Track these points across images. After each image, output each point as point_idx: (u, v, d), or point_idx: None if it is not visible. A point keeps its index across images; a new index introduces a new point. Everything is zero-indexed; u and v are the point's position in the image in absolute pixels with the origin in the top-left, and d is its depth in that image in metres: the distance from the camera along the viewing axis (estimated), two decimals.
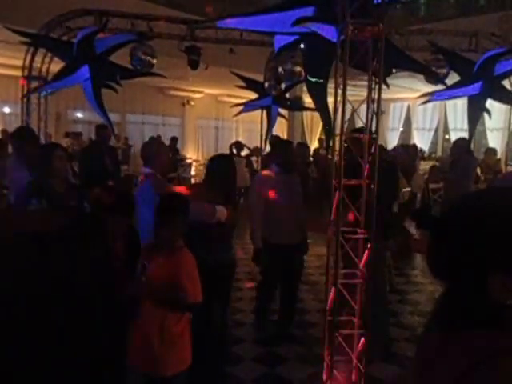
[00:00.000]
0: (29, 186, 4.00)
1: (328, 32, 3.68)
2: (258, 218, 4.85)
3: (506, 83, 7.34)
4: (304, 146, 5.47)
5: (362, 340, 3.76)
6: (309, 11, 3.74)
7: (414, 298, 6.53)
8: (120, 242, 3.01)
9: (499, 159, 11.32)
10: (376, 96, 3.56)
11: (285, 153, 5.03)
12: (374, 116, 3.61)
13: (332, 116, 3.64)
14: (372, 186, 3.58)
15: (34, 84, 7.96)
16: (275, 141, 8.09)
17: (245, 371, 4.51)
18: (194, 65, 8.38)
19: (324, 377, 3.84)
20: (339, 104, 3.47)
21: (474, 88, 6.76)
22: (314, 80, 4.11)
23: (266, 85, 8.95)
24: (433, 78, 6.82)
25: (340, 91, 3.42)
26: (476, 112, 7.24)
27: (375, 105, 3.58)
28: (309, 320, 5.69)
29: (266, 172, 5.11)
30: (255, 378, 4.39)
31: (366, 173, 3.63)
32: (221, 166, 4.35)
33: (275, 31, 4.17)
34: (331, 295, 3.72)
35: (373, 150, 3.61)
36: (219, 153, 5.38)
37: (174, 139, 15.22)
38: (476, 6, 13.11)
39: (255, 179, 5.27)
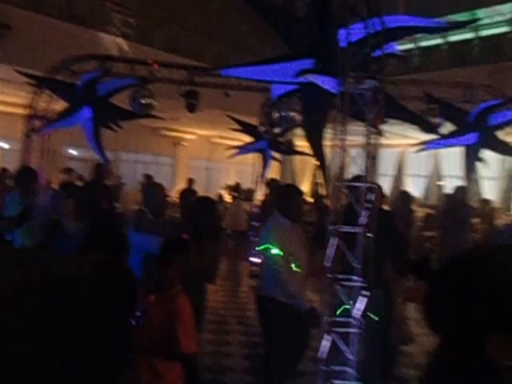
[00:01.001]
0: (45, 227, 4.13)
1: (327, 83, 3.78)
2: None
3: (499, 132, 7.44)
4: (301, 192, 5.30)
5: None
6: (308, 63, 3.86)
7: (408, 350, 6.27)
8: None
9: (493, 207, 11.42)
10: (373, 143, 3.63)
11: (292, 202, 4.49)
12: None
13: (328, 162, 3.70)
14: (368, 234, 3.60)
15: (37, 123, 8.05)
16: (277, 186, 7.96)
17: None
18: (191, 108, 8.51)
19: None
20: (338, 151, 3.53)
21: (470, 138, 6.86)
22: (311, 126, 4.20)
23: (262, 129, 9.07)
24: (427, 127, 6.93)
25: (339, 141, 3.49)
26: (472, 161, 7.32)
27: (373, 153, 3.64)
28: (299, 368, 5.51)
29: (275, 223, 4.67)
30: None
31: (363, 220, 3.66)
32: (198, 208, 4.58)
33: (275, 80, 4.28)
34: (326, 344, 3.69)
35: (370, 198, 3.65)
36: (203, 195, 5.48)
37: (191, 180, 15.12)
38: (470, 57, 13.39)
39: (273, 234, 4.50)
